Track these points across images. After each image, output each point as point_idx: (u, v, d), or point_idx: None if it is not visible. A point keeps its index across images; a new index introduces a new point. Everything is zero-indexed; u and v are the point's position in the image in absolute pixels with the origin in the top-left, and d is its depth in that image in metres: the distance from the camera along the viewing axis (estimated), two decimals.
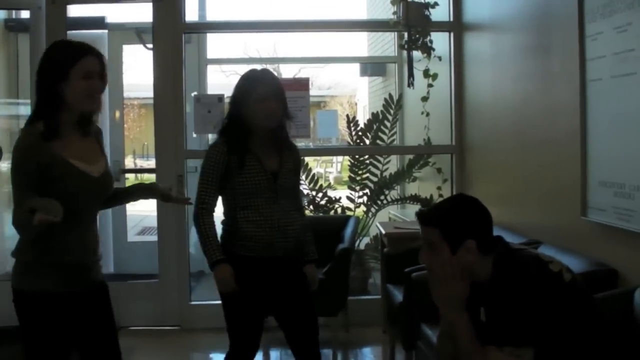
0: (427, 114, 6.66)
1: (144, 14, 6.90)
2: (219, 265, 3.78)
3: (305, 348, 4.04)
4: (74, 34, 6.36)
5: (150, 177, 7.78)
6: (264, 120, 3.81)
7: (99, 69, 3.08)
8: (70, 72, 3.00)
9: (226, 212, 3.93)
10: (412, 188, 8.20)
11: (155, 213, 6.69)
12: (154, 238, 7.01)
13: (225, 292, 3.81)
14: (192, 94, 7.15)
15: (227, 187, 3.85)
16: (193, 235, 8.09)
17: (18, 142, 3.03)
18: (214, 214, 3.92)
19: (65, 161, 3.03)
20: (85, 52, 3.05)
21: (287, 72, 11.43)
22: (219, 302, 3.88)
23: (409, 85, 6.43)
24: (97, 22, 7.98)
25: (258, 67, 4.03)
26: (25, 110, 6.85)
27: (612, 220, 3.84)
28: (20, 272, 3.12)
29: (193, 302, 6.70)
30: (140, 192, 3.54)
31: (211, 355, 6.36)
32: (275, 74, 4.16)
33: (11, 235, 3.23)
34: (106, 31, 8.09)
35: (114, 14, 8.12)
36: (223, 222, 3.94)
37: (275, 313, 4.01)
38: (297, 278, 3.98)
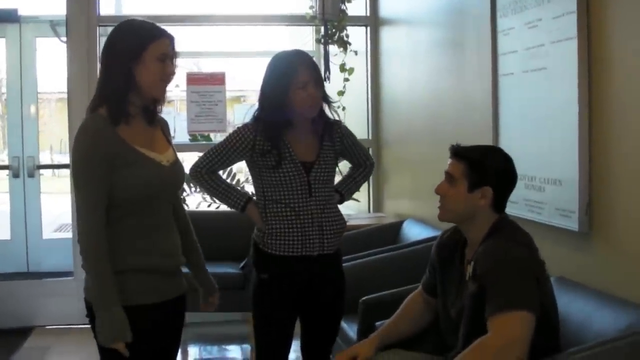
0: (344, 108, 6.65)
1: (58, 6, 6.77)
2: (246, 209, 3.53)
3: (316, 355, 3.71)
4: None
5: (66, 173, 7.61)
6: (308, 109, 3.42)
7: (171, 53, 2.85)
8: (144, 54, 2.77)
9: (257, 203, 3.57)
10: None
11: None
12: (70, 235, 6.88)
13: (261, 230, 3.48)
14: None
15: (256, 176, 3.51)
16: None
17: (83, 130, 2.76)
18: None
19: (132, 148, 2.79)
20: (159, 33, 2.82)
21: (208, 66, 11.36)
22: None
23: (325, 80, 6.44)
24: (9, 14, 7.80)
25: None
26: None
27: (523, 213, 3.91)
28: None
29: None
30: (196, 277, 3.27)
31: None
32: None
33: None
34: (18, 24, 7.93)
35: (26, 6, 7.90)
36: None
37: (301, 313, 3.62)
38: (332, 282, 3.61)
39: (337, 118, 3.65)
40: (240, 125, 3.56)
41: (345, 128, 3.68)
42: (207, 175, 3.55)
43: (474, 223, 2.92)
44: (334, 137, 3.58)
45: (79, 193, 2.74)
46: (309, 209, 3.45)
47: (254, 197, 3.60)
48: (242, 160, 3.56)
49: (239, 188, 3.58)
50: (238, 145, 3.47)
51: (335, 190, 3.67)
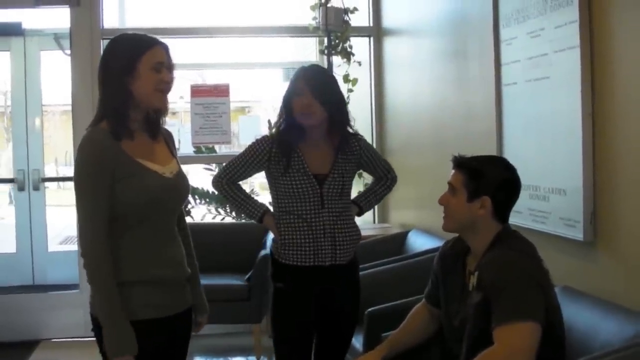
0: None
1: (62, 19, 6.79)
2: (264, 220, 3.64)
3: None
4: None
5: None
6: (301, 116, 3.50)
7: (166, 61, 2.81)
8: (138, 65, 2.74)
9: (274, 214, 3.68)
10: None
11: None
12: (76, 247, 6.86)
13: (278, 240, 3.57)
14: None
15: (272, 187, 3.62)
16: None
17: (85, 144, 2.72)
18: None
19: (134, 160, 2.76)
20: (151, 43, 2.79)
21: (212, 78, 11.39)
22: None
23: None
24: (14, 28, 7.82)
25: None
26: None
27: (528, 223, 3.91)
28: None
29: None
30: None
31: None
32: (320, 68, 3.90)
33: None
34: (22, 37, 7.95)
35: (30, 19, 7.92)
36: None
37: (317, 325, 3.66)
38: (345, 292, 3.66)
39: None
40: (258, 137, 3.70)
41: (365, 141, 3.74)
42: (227, 186, 3.67)
43: (476, 233, 2.92)
44: (351, 150, 3.63)
45: (81, 205, 2.72)
46: (321, 221, 3.52)
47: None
48: (260, 171, 3.66)
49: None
50: (256, 156, 3.60)
51: (354, 202, 3.73)
